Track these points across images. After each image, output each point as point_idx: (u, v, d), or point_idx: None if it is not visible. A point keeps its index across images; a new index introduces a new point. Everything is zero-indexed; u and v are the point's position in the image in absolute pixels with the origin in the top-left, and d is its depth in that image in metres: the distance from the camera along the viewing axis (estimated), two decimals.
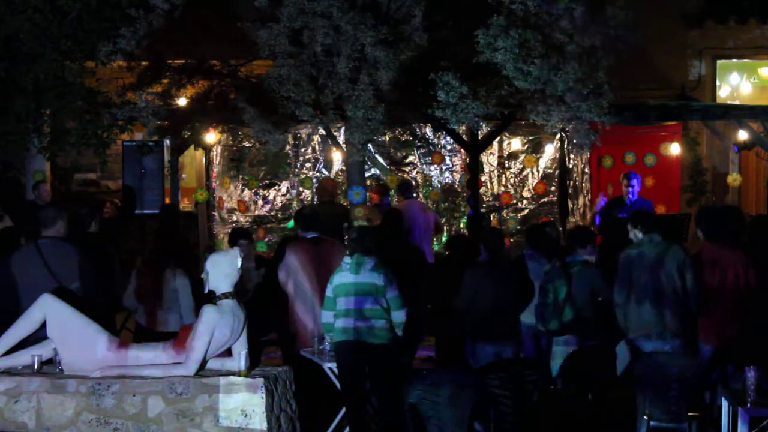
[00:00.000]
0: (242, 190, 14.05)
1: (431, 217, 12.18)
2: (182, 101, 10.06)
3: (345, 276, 7.93)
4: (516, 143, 14.17)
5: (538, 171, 14.25)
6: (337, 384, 8.42)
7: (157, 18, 9.33)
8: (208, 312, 6.38)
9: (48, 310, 6.47)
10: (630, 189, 12.37)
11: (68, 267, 7.43)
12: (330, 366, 8.30)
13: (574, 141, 9.91)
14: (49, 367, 6.51)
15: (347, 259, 8.00)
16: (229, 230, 13.83)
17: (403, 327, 8.03)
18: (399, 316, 7.96)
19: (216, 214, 14.04)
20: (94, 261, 7.97)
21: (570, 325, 8.43)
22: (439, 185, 14.25)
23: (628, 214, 9.06)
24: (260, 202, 14.14)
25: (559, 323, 8.40)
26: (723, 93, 14.75)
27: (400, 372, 8.12)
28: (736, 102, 14.45)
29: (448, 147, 14.11)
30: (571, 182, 14.13)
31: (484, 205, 13.70)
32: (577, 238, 8.86)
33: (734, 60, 14.77)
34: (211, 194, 13.87)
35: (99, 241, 9.06)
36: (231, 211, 14.09)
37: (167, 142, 11.74)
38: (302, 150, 14.20)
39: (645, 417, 7.60)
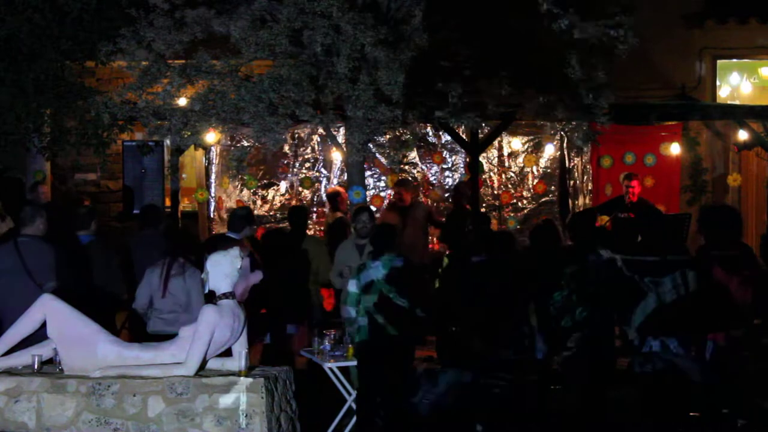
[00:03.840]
0: (241, 190, 14.05)
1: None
2: (182, 101, 10.04)
3: (371, 273, 7.96)
4: (516, 143, 14.16)
5: (538, 171, 14.25)
6: (337, 384, 8.43)
7: (157, 18, 9.33)
8: (209, 312, 6.38)
9: (48, 310, 6.47)
10: (630, 190, 12.38)
11: (44, 265, 7.47)
12: (330, 366, 8.31)
13: (575, 138, 9.92)
14: (49, 367, 6.51)
15: (371, 258, 8.04)
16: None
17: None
18: (422, 313, 8.03)
19: (216, 214, 14.04)
20: (81, 260, 8.00)
21: (583, 323, 8.44)
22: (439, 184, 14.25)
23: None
24: (259, 202, 14.13)
25: (572, 321, 8.41)
26: (723, 93, 14.74)
27: (408, 368, 8.16)
28: (736, 102, 14.44)
29: (449, 147, 14.10)
30: (572, 182, 14.13)
31: (483, 205, 13.69)
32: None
33: (734, 60, 14.75)
34: (210, 194, 13.86)
35: (100, 241, 9.07)
36: (230, 211, 14.08)
37: (167, 142, 11.74)
38: (302, 150, 14.19)
39: (644, 415, 7.60)
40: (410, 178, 13.68)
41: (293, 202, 14.09)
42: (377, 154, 13.62)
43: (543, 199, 14.29)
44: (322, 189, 14.19)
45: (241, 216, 9.57)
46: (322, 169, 14.21)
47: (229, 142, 13.41)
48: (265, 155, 13.38)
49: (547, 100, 9.69)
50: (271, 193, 14.22)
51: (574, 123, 9.72)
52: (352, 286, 8.07)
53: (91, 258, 8.74)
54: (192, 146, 11.13)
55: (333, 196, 12.49)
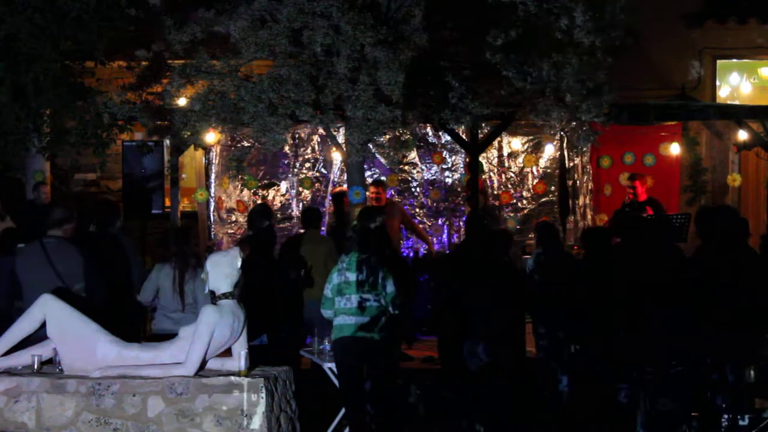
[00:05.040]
0: (241, 190, 14.05)
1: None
2: (182, 101, 10.04)
3: (343, 274, 7.95)
4: (516, 143, 14.16)
5: (538, 171, 14.25)
6: (338, 384, 8.42)
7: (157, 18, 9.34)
8: (208, 312, 6.38)
9: (48, 309, 6.47)
10: (630, 190, 12.37)
11: (73, 268, 7.46)
12: (330, 366, 8.31)
13: (576, 137, 9.92)
14: (49, 367, 6.51)
15: (345, 258, 8.02)
16: (228, 230, 13.89)
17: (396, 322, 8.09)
18: (397, 311, 8.02)
19: (215, 214, 14.03)
20: (99, 262, 7.98)
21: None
22: (439, 184, 14.25)
23: None
24: (259, 202, 14.12)
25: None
26: (723, 93, 14.74)
27: (397, 369, 8.15)
28: (736, 102, 14.44)
29: (449, 147, 14.10)
30: (571, 182, 14.13)
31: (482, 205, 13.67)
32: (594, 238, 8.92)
33: (734, 60, 14.75)
34: (210, 194, 13.86)
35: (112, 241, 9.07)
36: (230, 211, 14.08)
37: (167, 142, 11.74)
38: (302, 150, 14.18)
39: (644, 417, 7.61)
40: (384, 179, 13.57)
41: (293, 203, 14.09)
42: (377, 154, 13.63)
43: (543, 199, 14.28)
44: (322, 189, 14.18)
45: (256, 212, 9.53)
46: (322, 169, 14.21)
47: (229, 142, 13.40)
48: (265, 155, 13.37)
49: (547, 101, 9.68)
50: (271, 193, 14.21)
51: (574, 123, 9.72)
52: (327, 290, 8.08)
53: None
54: (192, 146, 11.15)
55: (339, 197, 12.41)
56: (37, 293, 6.98)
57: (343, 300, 7.92)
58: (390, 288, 7.95)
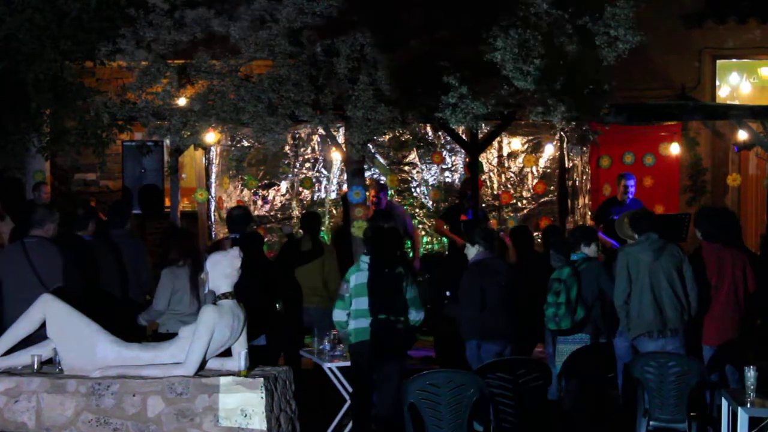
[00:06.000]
0: (241, 190, 14.05)
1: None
2: (182, 101, 10.04)
3: (363, 276, 7.92)
4: (516, 143, 14.16)
5: (537, 171, 14.25)
6: (337, 384, 8.42)
7: (157, 18, 9.34)
8: (208, 312, 6.38)
9: (48, 310, 6.47)
10: (626, 190, 12.35)
11: (52, 267, 7.48)
12: (330, 366, 8.30)
13: (574, 140, 9.92)
14: (49, 367, 6.52)
15: (365, 259, 8.00)
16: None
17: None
18: (417, 315, 8.00)
19: (216, 214, 14.04)
20: (85, 261, 8.00)
21: (581, 324, 8.45)
22: (438, 185, 14.24)
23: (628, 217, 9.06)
24: (259, 202, 14.13)
25: (572, 322, 8.41)
26: (723, 93, 14.74)
27: (402, 371, 8.16)
28: (736, 102, 14.43)
29: (448, 147, 14.09)
30: (571, 182, 14.14)
31: (483, 205, 13.68)
32: (583, 235, 8.90)
33: (734, 60, 14.75)
34: (210, 194, 13.86)
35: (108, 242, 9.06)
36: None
37: (167, 142, 11.73)
38: (302, 150, 14.18)
39: (644, 417, 7.61)
40: (384, 180, 13.55)
41: (293, 203, 14.10)
42: (377, 155, 13.62)
43: (543, 199, 14.29)
44: (322, 189, 14.19)
45: (240, 216, 9.54)
46: (322, 169, 14.21)
47: (229, 142, 13.40)
48: (265, 155, 13.37)
49: (547, 101, 9.67)
50: (271, 193, 14.22)
51: (573, 123, 9.71)
52: (344, 291, 8.05)
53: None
54: (192, 146, 11.15)
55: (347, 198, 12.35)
56: (14, 291, 7.02)
57: (362, 302, 7.89)
58: (411, 292, 7.93)
